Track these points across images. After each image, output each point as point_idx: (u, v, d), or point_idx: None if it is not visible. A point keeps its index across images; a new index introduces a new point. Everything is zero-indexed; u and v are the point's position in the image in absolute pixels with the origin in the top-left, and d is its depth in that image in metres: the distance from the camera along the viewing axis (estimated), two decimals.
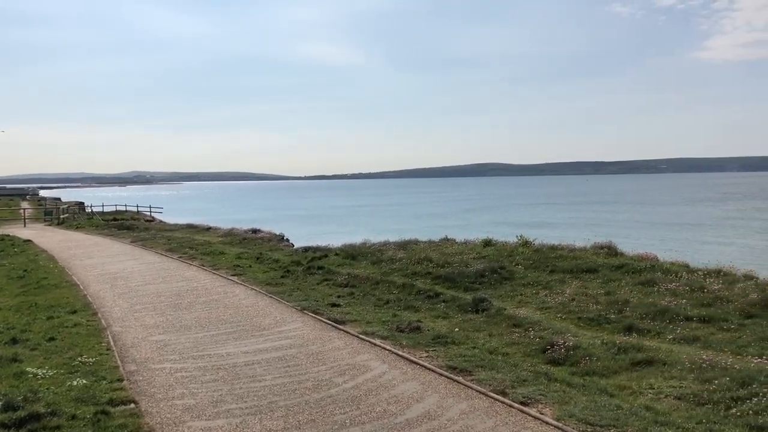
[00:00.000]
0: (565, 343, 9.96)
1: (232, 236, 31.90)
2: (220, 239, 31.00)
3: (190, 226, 40.46)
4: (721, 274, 14.71)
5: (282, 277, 18.52)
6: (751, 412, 6.98)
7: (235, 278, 18.34)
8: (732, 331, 10.68)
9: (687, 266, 16.23)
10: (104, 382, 8.42)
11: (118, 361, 9.60)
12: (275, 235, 32.38)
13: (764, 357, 9.15)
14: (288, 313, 13.29)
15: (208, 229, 37.41)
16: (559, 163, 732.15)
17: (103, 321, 12.72)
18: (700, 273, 14.89)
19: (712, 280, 14.03)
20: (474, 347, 10.30)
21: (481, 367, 8.97)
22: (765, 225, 62.66)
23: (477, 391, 7.95)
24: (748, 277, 14.38)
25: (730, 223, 66.36)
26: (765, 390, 7.43)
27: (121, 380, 8.55)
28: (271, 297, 15.23)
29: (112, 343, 10.80)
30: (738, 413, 7.00)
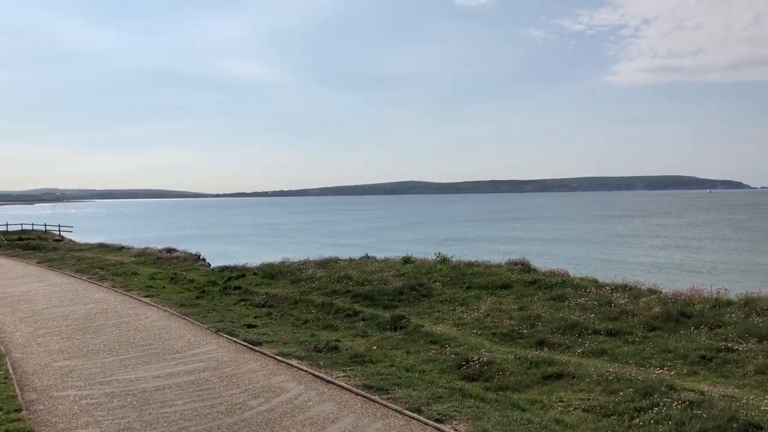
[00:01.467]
0: (479, 358, 10.13)
1: (145, 256, 30.87)
2: (133, 259, 29.96)
3: (102, 246, 38.91)
4: (627, 288, 15.40)
5: (197, 297, 18.05)
6: (652, 421, 7.28)
7: (147, 299, 17.72)
8: (636, 343, 11.17)
9: (596, 281, 16.90)
10: (0, 413, 7.91)
11: (17, 390, 9.05)
12: (191, 254, 31.53)
13: (665, 368, 9.62)
14: (202, 335, 12.93)
15: (121, 248, 36.08)
16: (478, 181, 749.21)
17: (1, 347, 11.99)
18: (607, 288, 15.53)
19: (618, 294, 14.66)
20: (391, 365, 10.32)
21: (398, 385, 8.99)
22: (667, 241, 66.09)
23: (393, 409, 7.96)
24: (652, 292, 15.11)
25: (635, 240, 69.68)
26: (666, 400, 7.78)
27: (19, 410, 8.05)
28: (185, 318, 14.79)
29: (10, 371, 10.18)
30: (641, 423, 7.29)
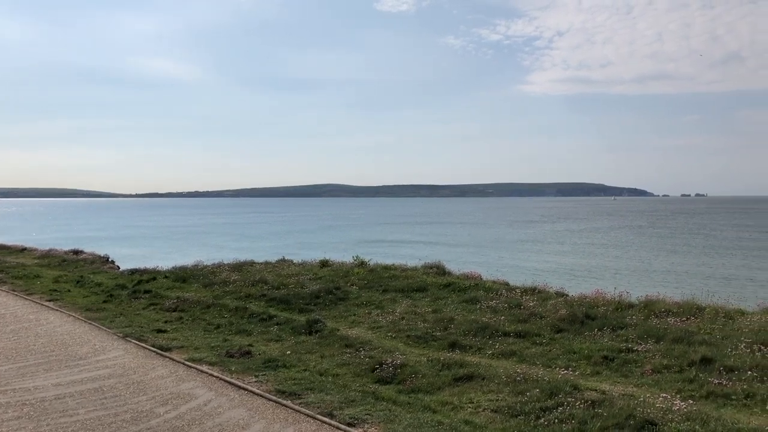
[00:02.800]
0: (393, 361, 10.22)
1: (50, 258, 29.34)
2: (36, 261, 28.43)
3: (2, 247, 36.70)
4: (536, 291, 15.92)
5: (104, 301, 17.35)
6: (557, 420, 7.56)
7: (50, 304, 16.88)
8: (544, 345, 11.55)
9: (507, 284, 17.38)
10: None
11: None
12: (99, 256, 30.20)
13: (570, 368, 9.99)
14: (108, 341, 12.44)
15: (23, 249, 34.15)
16: (397, 185, 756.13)
17: None
18: (518, 291, 16.00)
19: (528, 297, 15.13)
20: (305, 370, 10.26)
21: (311, 389, 8.95)
22: (574, 246, 68.87)
23: (305, 414, 7.92)
24: (560, 294, 15.69)
25: (545, 244, 72.23)
26: (570, 399, 8.09)
27: None
28: (90, 323, 14.19)
29: None
30: (546, 422, 7.55)
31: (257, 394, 8.81)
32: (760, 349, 9.91)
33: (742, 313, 12.90)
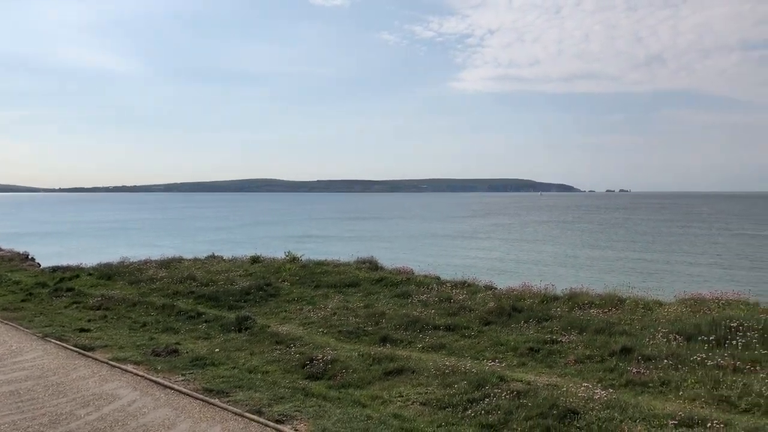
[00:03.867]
0: (324, 357, 10.20)
1: None
2: None
3: None
4: (466, 285, 16.22)
5: (23, 300, 16.67)
6: (483, 411, 7.71)
7: None
8: (472, 337, 11.78)
9: (438, 278, 17.63)
10: None
11: None
12: (18, 253, 28.93)
13: (497, 360, 10.22)
14: (27, 341, 11.93)
15: None
16: (331, 180, 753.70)
17: None
18: (448, 285, 16.24)
19: (458, 291, 15.39)
20: (234, 367, 10.11)
21: (240, 387, 8.84)
22: (503, 241, 70.26)
23: (233, 412, 7.80)
24: (488, 288, 16.03)
25: (475, 239, 73.47)
26: (496, 391, 8.27)
27: None
28: (7, 324, 13.59)
29: None
30: (473, 414, 7.69)
31: (184, 393, 8.63)
32: (675, 339, 10.39)
33: (660, 304, 13.48)
